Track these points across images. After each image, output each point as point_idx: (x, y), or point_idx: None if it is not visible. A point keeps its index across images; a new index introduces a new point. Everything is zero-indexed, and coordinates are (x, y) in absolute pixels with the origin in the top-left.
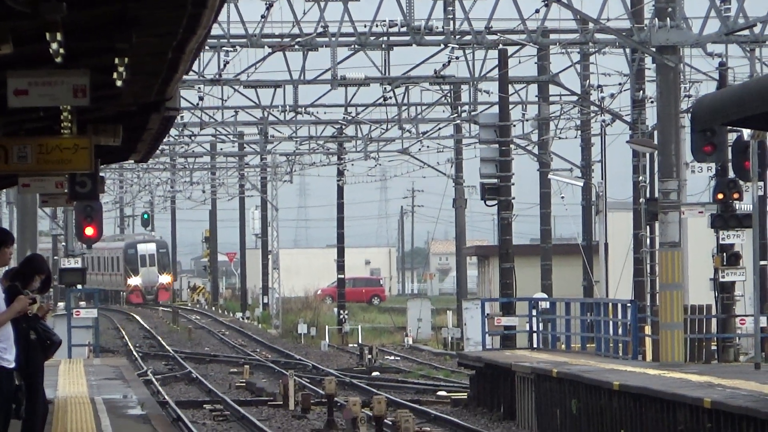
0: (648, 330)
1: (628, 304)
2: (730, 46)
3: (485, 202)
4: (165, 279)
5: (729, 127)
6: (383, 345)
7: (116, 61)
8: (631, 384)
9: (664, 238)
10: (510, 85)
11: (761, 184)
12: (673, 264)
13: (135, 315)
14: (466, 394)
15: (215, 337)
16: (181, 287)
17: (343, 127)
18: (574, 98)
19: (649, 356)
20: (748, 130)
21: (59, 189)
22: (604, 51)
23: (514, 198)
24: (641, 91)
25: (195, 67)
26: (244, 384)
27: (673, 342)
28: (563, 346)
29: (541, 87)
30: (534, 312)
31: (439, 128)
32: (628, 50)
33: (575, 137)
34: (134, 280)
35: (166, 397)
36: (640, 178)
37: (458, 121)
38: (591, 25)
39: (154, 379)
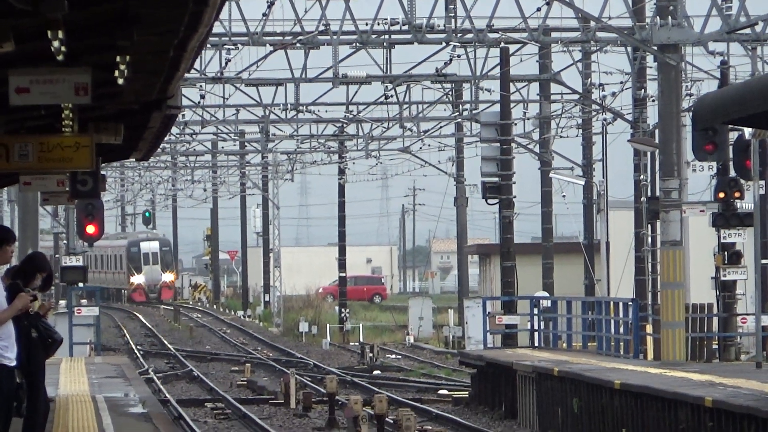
0: (649, 329)
1: (630, 303)
2: (731, 45)
3: (486, 201)
4: (168, 277)
5: (730, 126)
6: (384, 343)
7: (118, 59)
8: (633, 383)
9: (666, 237)
10: (511, 84)
11: (762, 182)
12: (675, 263)
13: (136, 313)
14: (467, 392)
15: (216, 336)
16: (182, 285)
17: (345, 125)
18: (576, 97)
19: (650, 355)
20: (750, 129)
21: (60, 187)
22: (605, 49)
23: (515, 196)
24: (642, 90)
25: (196, 65)
26: (245, 382)
27: (675, 341)
28: (564, 344)
29: (543, 85)
30: (535, 311)
31: (441, 127)
32: (629, 49)
33: (576, 136)
34: (137, 278)
35: (167, 395)
36: (642, 176)
37: (459, 120)
38: (592, 23)
39: (155, 378)
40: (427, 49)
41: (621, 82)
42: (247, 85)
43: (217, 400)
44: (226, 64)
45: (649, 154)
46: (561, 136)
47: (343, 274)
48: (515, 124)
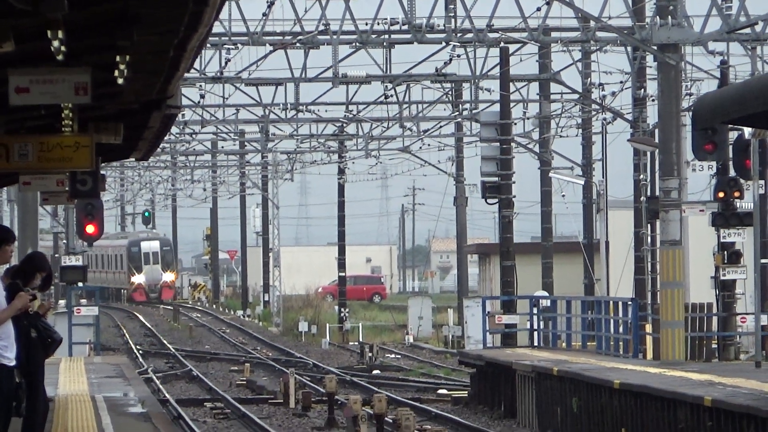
0: (649, 328)
1: (629, 303)
2: (731, 45)
3: (486, 200)
4: (168, 277)
5: (730, 126)
6: (384, 343)
7: (117, 59)
8: (632, 382)
9: (665, 237)
10: (511, 83)
11: (762, 182)
12: (674, 262)
13: (136, 313)
14: (466, 392)
15: (216, 335)
16: (182, 285)
17: (344, 125)
18: (575, 96)
19: (649, 354)
20: (749, 129)
21: (60, 187)
22: (605, 49)
23: (514, 196)
24: (642, 90)
25: (196, 64)
26: (244, 382)
27: (674, 340)
28: (564, 344)
29: (542, 85)
30: (535, 310)
31: (440, 126)
32: (629, 48)
33: (576, 135)
34: (137, 278)
35: (166, 395)
36: (641, 176)
37: (459, 119)
38: (592, 23)
39: (154, 377)
40: (426, 48)
41: (621, 82)
42: (247, 85)
43: (216, 399)
44: (226, 63)
45: (648, 153)
46: (561, 136)
47: (343, 274)
48: (515, 124)
